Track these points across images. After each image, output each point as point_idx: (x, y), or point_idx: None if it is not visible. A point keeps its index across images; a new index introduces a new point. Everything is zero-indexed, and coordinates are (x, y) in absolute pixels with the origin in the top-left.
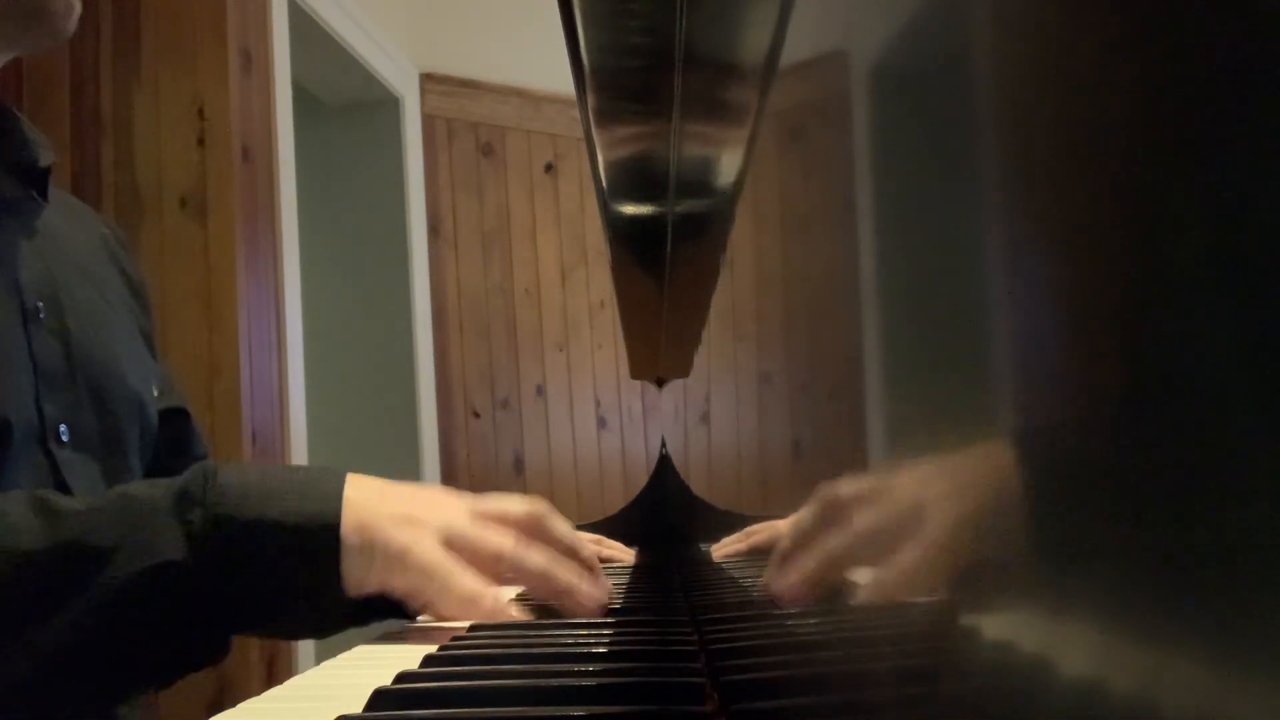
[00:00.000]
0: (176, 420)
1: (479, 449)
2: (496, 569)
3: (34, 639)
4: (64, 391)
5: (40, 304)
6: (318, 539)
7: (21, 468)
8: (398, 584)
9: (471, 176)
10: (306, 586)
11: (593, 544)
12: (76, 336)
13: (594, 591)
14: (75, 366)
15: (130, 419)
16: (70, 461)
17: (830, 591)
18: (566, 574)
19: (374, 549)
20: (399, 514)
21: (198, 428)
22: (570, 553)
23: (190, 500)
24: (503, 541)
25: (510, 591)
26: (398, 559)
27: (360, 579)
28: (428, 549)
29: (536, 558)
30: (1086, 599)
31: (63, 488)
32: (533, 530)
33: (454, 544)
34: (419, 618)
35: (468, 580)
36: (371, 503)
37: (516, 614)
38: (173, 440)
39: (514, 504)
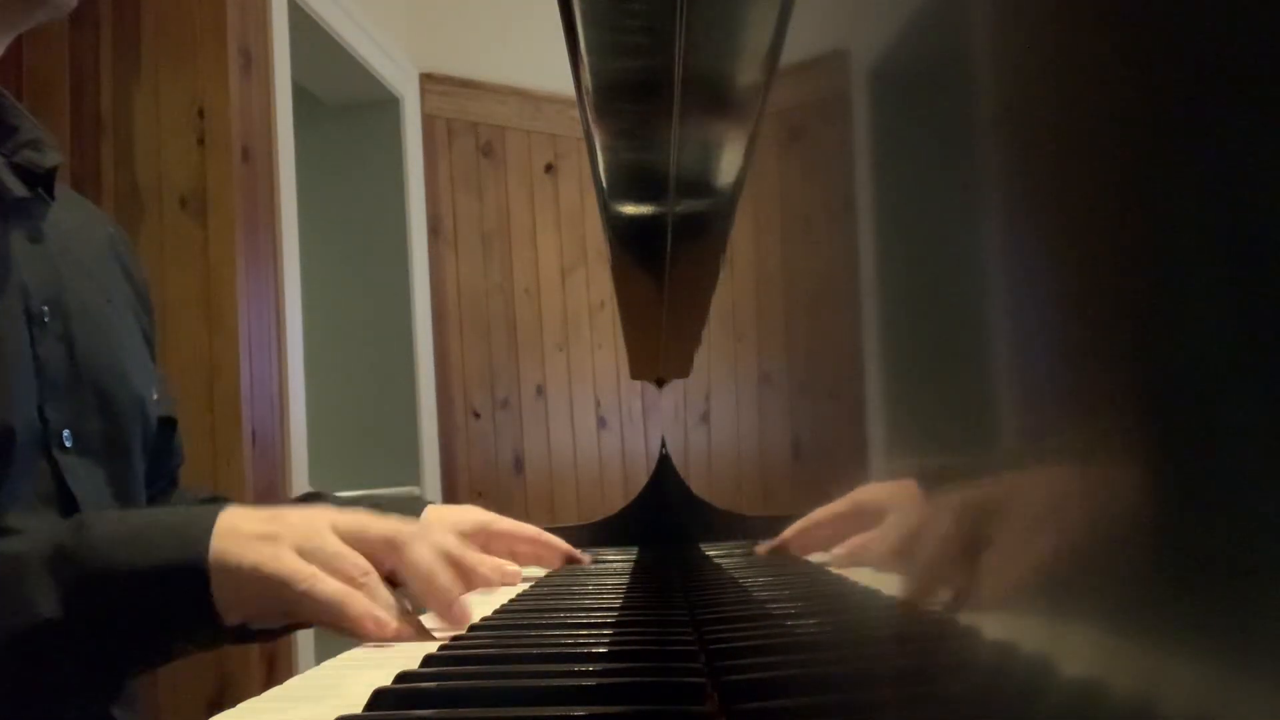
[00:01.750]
0: (164, 429)
1: (479, 449)
2: (355, 584)
3: None
4: (68, 397)
5: (45, 307)
6: (186, 580)
7: (24, 474)
8: (264, 601)
9: (471, 176)
10: (183, 626)
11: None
12: (80, 340)
13: (384, 617)
14: (79, 371)
15: (134, 421)
16: (74, 467)
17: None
18: (360, 603)
19: (228, 572)
20: (257, 533)
21: (179, 438)
22: (425, 585)
23: (62, 555)
24: (360, 563)
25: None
26: (251, 577)
27: (228, 606)
28: (282, 559)
29: (383, 591)
30: (1086, 599)
31: (66, 493)
32: (389, 552)
33: (311, 557)
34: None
35: (331, 583)
36: (237, 529)
37: (387, 619)
38: (156, 449)
39: (375, 524)
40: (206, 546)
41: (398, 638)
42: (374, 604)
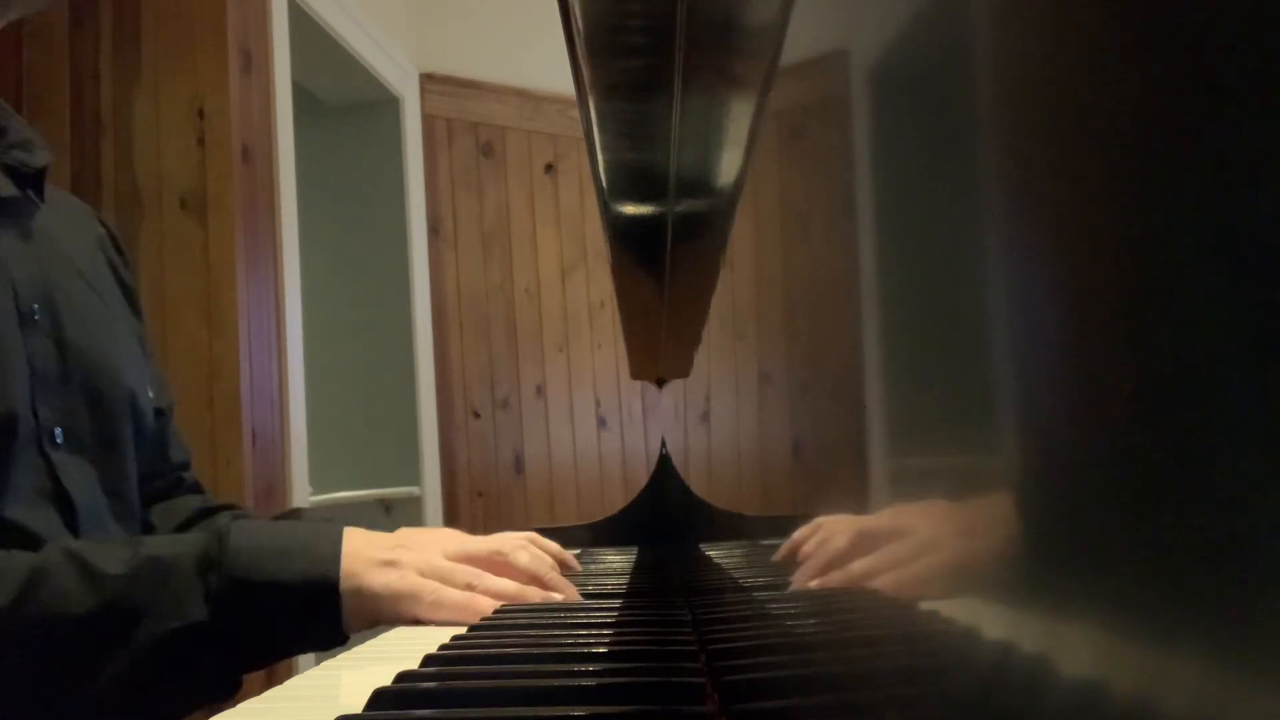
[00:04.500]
0: (158, 421)
1: (479, 449)
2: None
3: (81, 692)
4: (59, 394)
5: (35, 306)
6: (321, 597)
7: (19, 471)
8: (384, 616)
9: (471, 176)
10: (312, 636)
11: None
12: (71, 338)
13: (559, 580)
14: (70, 369)
15: (123, 418)
16: (66, 464)
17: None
18: (534, 594)
19: (363, 594)
20: (381, 560)
21: (176, 429)
22: (535, 580)
23: (209, 563)
24: (470, 572)
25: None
26: (383, 594)
27: (355, 622)
28: (409, 579)
29: (500, 583)
30: (1087, 599)
31: (60, 490)
32: (497, 566)
33: (430, 575)
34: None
35: (455, 593)
36: (362, 554)
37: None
38: (154, 442)
39: (478, 544)
40: (337, 567)
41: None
42: (490, 601)
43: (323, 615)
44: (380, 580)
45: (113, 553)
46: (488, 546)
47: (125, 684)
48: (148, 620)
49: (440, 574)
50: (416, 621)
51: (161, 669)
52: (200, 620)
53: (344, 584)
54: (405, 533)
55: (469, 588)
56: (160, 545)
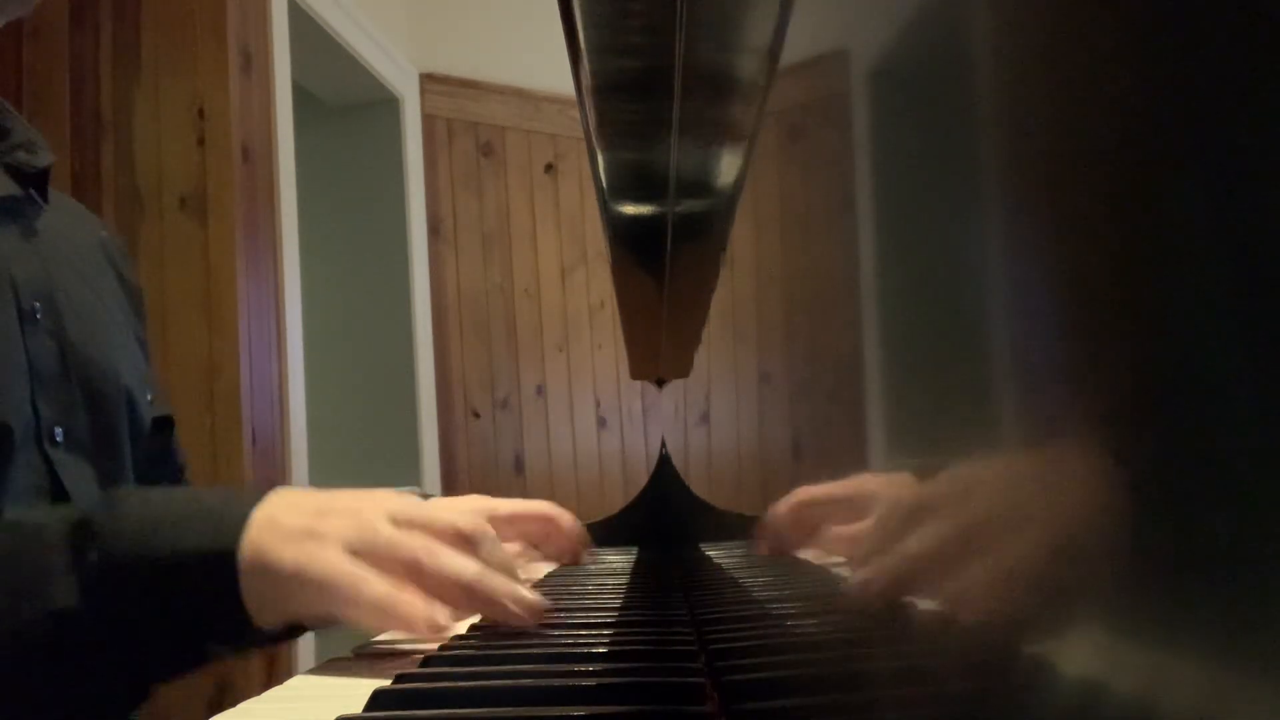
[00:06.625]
0: (160, 430)
1: (479, 449)
2: (419, 580)
3: None
4: (59, 393)
5: (37, 304)
6: (213, 569)
7: (18, 470)
8: (298, 608)
9: (471, 176)
10: (212, 625)
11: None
12: (72, 337)
13: (529, 598)
14: (70, 367)
15: (122, 419)
16: (65, 463)
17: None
18: (495, 580)
19: (267, 572)
20: (299, 528)
21: (178, 439)
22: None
23: (87, 535)
24: (417, 544)
25: None
26: (292, 579)
27: (261, 607)
28: (327, 560)
29: (459, 562)
30: (1086, 599)
31: (59, 489)
32: (460, 547)
33: (362, 553)
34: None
35: (379, 585)
36: (274, 520)
37: (443, 618)
38: (155, 449)
39: (444, 515)
40: (238, 537)
41: (494, 616)
42: (429, 603)
43: (216, 598)
44: (289, 556)
45: None
46: (448, 522)
47: None
48: (6, 611)
49: (376, 551)
50: (337, 621)
51: (28, 668)
52: (68, 607)
53: (244, 559)
54: (356, 494)
55: (414, 564)
56: (34, 513)
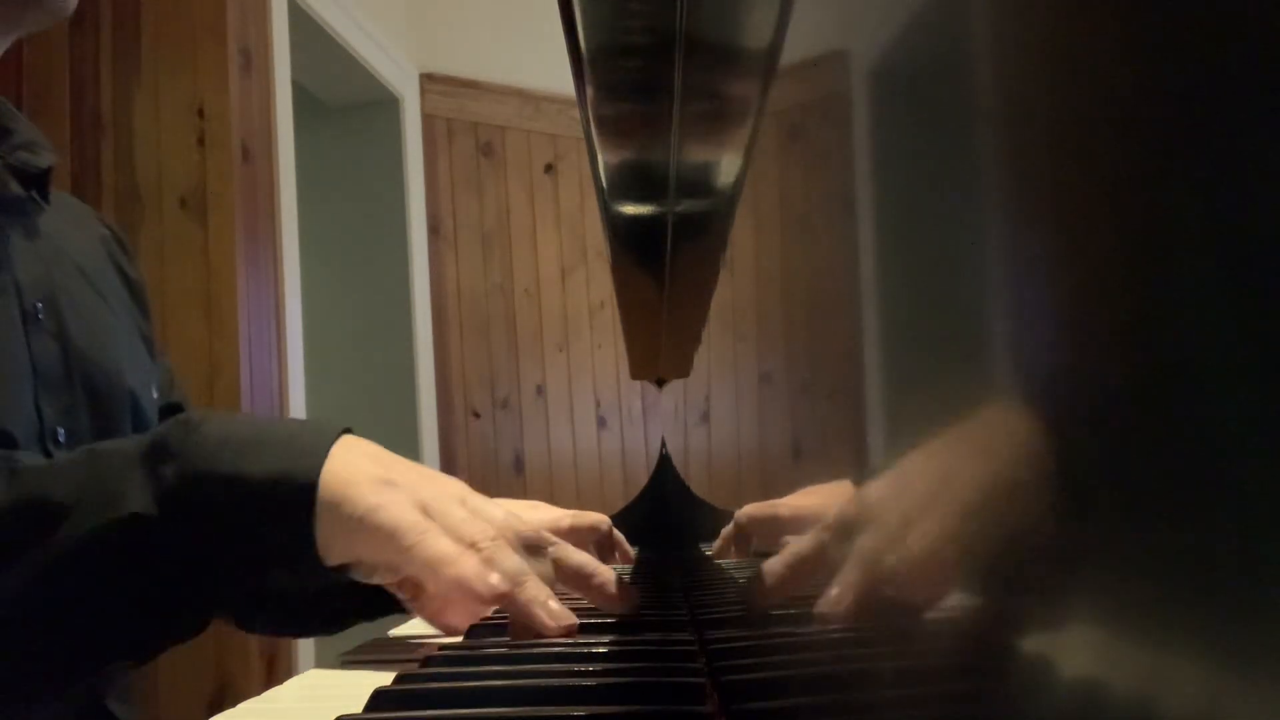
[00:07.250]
0: (170, 416)
1: (479, 449)
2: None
3: None
4: (62, 394)
5: (39, 305)
6: (291, 495)
7: None
8: (362, 550)
9: (471, 176)
10: (278, 547)
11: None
12: (74, 338)
13: (563, 613)
14: (72, 368)
15: (124, 418)
16: None
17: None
18: (538, 587)
19: (342, 507)
20: (380, 477)
21: None
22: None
23: (164, 452)
24: (478, 530)
25: None
26: (365, 518)
27: (328, 542)
28: (401, 508)
29: (512, 560)
30: (1086, 599)
31: None
32: (516, 550)
33: (433, 516)
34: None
35: (444, 541)
36: (357, 462)
37: (499, 583)
38: None
39: (507, 517)
40: (319, 467)
41: (526, 617)
42: (492, 569)
43: (293, 528)
44: (368, 497)
45: (56, 460)
46: (507, 523)
47: (43, 591)
48: (74, 515)
49: (446, 519)
50: (396, 574)
51: (93, 575)
52: (139, 513)
53: (323, 490)
54: (425, 468)
55: (472, 548)
56: (112, 440)
